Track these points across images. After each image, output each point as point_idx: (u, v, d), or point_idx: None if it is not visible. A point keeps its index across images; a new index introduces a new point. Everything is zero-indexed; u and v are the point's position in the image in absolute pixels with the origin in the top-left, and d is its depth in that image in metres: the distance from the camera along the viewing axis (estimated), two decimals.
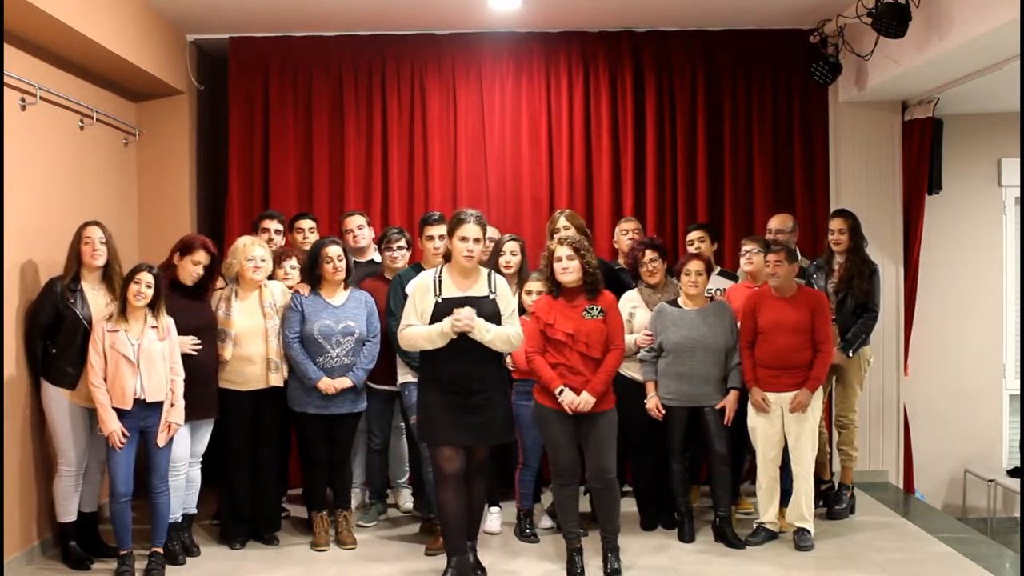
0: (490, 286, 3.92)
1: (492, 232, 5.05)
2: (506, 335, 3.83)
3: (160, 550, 4.09)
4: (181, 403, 4.06)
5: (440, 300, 3.82)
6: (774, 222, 5.12)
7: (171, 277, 4.23)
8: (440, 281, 3.87)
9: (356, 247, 4.94)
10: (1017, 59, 4.34)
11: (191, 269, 4.22)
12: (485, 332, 3.76)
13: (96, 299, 4.13)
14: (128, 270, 4.06)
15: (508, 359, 4.46)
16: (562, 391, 3.88)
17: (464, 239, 3.82)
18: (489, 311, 3.83)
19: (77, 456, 4.14)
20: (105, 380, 3.93)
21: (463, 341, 3.75)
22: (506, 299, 3.94)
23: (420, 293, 3.88)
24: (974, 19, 4.17)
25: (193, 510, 4.45)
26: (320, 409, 4.34)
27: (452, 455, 3.84)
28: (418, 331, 3.81)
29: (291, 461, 5.06)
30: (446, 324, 3.73)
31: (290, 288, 4.51)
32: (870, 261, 4.84)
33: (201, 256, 4.23)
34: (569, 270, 3.91)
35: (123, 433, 3.93)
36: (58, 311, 4.06)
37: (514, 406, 4.46)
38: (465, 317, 3.70)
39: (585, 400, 3.87)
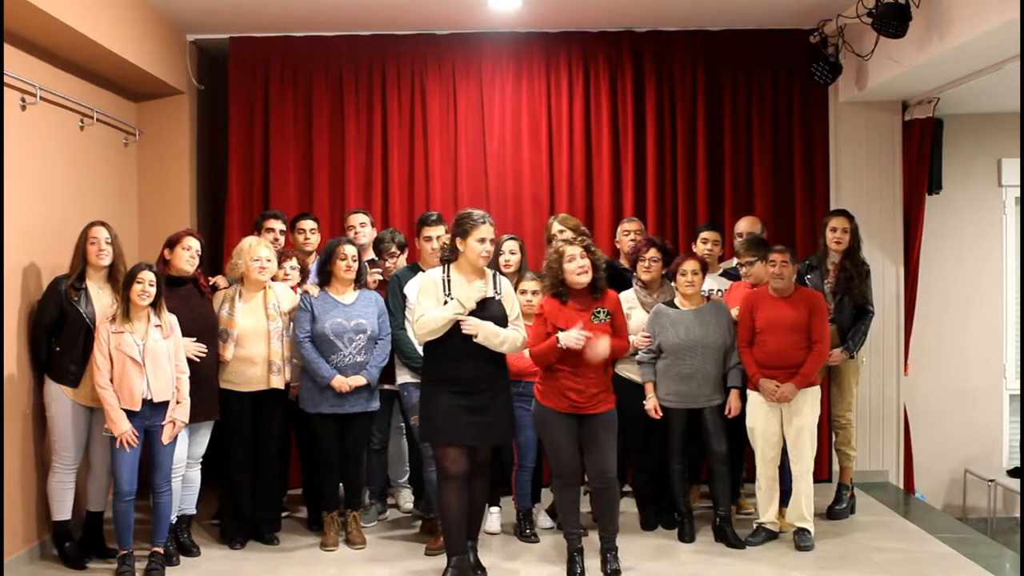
0: (495, 287, 3.94)
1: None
2: (514, 339, 3.86)
3: (160, 550, 4.09)
4: (187, 401, 4.07)
5: (450, 299, 3.83)
6: (744, 224, 5.12)
7: (166, 273, 4.25)
8: (448, 281, 3.88)
9: (357, 244, 4.93)
10: (1017, 59, 4.34)
11: (183, 255, 4.25)
12: (494, 336, 3.79)
13: (100, 298, 4.14)
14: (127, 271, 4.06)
15: None
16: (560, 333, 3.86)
17: (482, 240, 3.84)
18: (496, 312, 3.85)
19: (73, 454, 4.14)
20: (112, 381, 3.94)
21: (467, 342, 3.77)
22: (511, 300, 3.97)
23: (432, 287, 3.88)
24: (974, 19, 4.17)
25: (192, 511, 4.45)
26: (335, 408, 4.34)
27: (457, 456, 3.85)
28: (433, 315, 3.79)
29: (291, 461, 5.06)
30: (457, 306, 3.75)
31: (292, 289, 4.52)
32: (865, 262, 4.84)
33: (191, 242, 4.27)
34: (585, 269, 3.91)
35: (133, 434, 3.94)
36: (62, 310, 4.06)
37: None
38: (471, 326, 3.74)
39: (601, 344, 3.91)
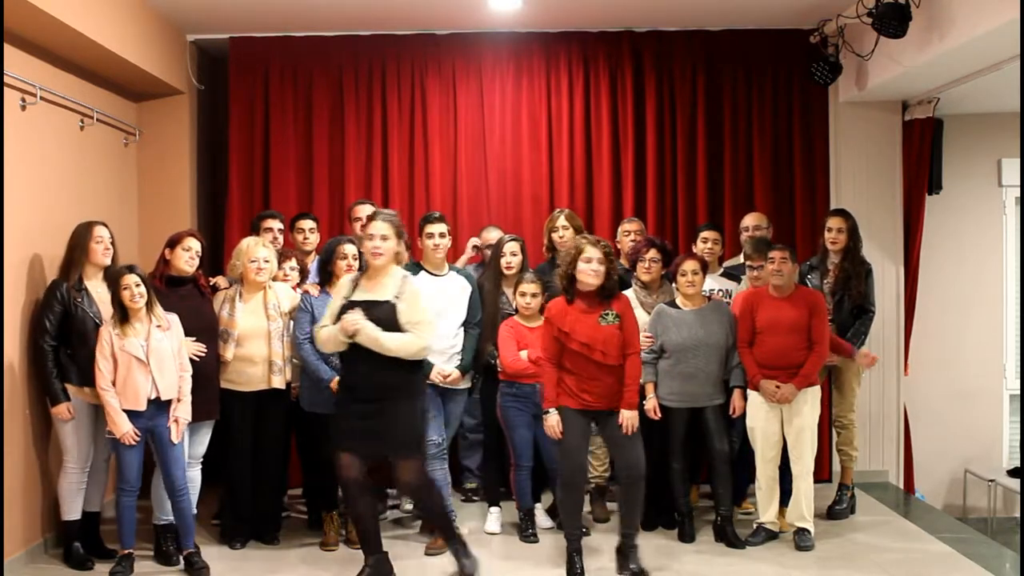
0: (399, 291, 3.80)
1: (496, 232, 5.08)
2: (400, 343, 3.70)
3: (194, 550, 4.13)
4: (188, 399, 4.07)
5: (346, 301, 3.81)
6: (751, 219, 5.12)
7: (167, 273, 4.25)
8: (357, 283, 3.87)
9: (362, 236, 4.91)
10: (1017, 59, 4.34)
11: (183, 255, 4.24)
12: (373, 342, 3.68)
13: (102, 296, 4.14)
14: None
15: (497, 360, 4.48)
16: (548, 413, 3.91)
17: (371, 237, 3.81)
18: (381, 316, 3.73)
19: (83, 453, 4.15)
20: (114, 384, 3.94)
21: (362, 347, 3.71)
22: (413, 306, 3.77)
23: (337, 294, 3.92)
24: (974, 19, 4.17)
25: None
26: (333, 409, 4.33)
27: (348, 461, 3.80)
28: (327, 332, 3.81)
29: (291, 461, 5.05)
30: (339, 326, 3.74)
31: (292, 289, 4.52)
32: (865, 262, 4.84)
33: (191, 243, 4.26)
34: (598, 275, 3.87)
35: (135, 433, 3.94)
36: (67, 311, 4.05)
37: (501, 408, 4.47)
38: (349, 321, 3.68)
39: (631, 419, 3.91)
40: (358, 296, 3.81)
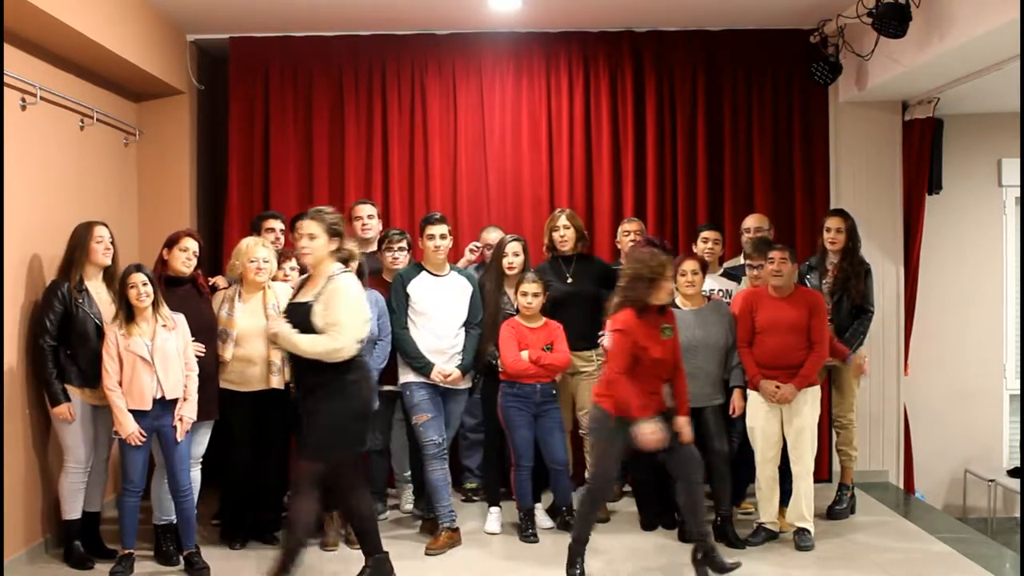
0: (320, 291, 3.70)
1: (496, 233, 5.08)
2: (311, 344, 3.61)
3: (193, 550, 4.14)
4: (194, 398, 4.08)
5: (288, 303, 3.87)
6: (752, 221, 5.12)
7: (165, 274, 4.25)
8: (303, 284, 3.87)
9: (363, 237, 4.93)
10: (1017, 59, 4.34)
11: (180, 256, 4.23)
12: (290, 342, 3.66)
13: (102, 296, 4.15)
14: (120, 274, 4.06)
15: (498, 360, 4.48)
16: (643, 423, 3.74)
17: (300, 236, 3.77)
18: (299, 318, 3.68)
19: (85, 453, 4.15)
20: (120, 384, 3.95)
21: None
22: (330, 307, 3.63)
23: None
24: (974, 19, 4.17)
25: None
26: None
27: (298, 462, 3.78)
28: None
29: (290, 461, 5.06)
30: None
31: (292, 289, 4.52)
32: (864, 262, 4.84)
33: (188, 243, 4.26)
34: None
35: (141, 434, 3.96)
36: (67, 312, 4.05)
37: (501, 408, 4.47)
38: (268, 326, 3.74)
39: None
40: (299, 298, 3.81)
